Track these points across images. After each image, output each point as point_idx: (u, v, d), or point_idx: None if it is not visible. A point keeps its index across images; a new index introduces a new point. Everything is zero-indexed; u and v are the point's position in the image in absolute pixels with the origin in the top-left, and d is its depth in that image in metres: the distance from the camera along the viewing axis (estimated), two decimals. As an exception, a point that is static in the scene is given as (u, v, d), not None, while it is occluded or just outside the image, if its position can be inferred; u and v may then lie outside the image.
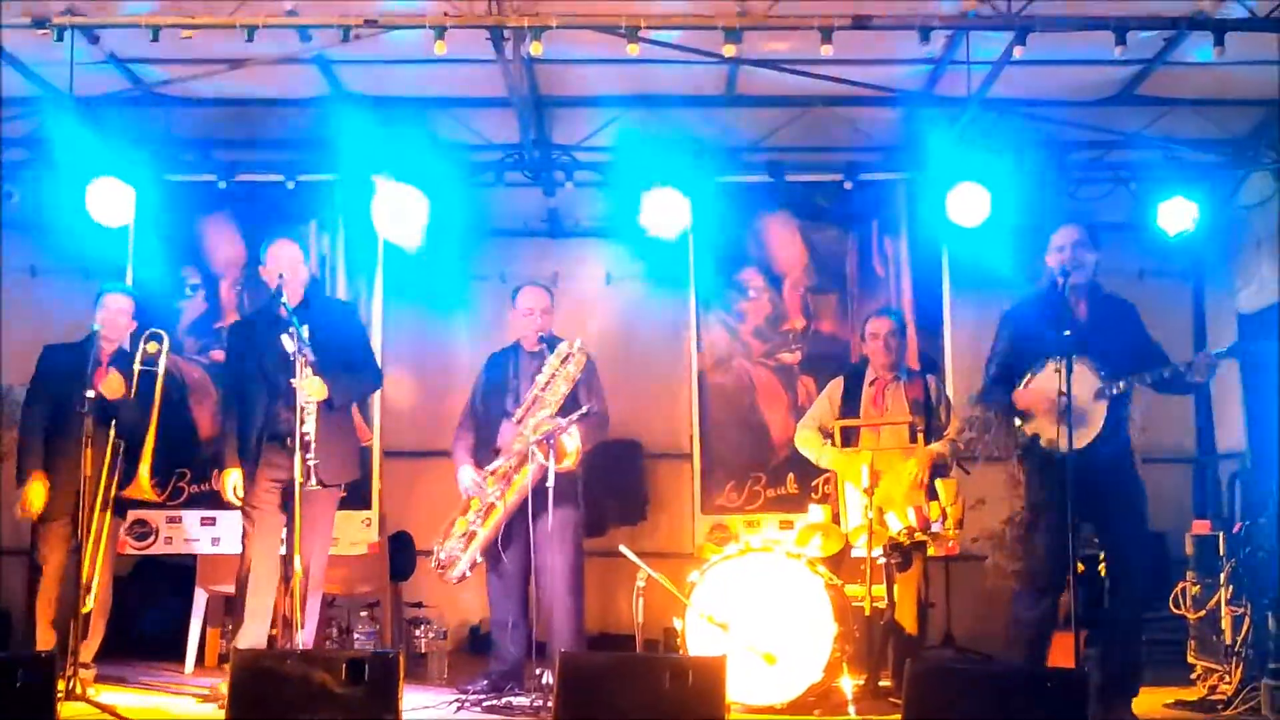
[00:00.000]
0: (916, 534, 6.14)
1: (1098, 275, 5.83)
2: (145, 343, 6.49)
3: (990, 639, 7.72)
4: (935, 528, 6.12)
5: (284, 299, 6.01)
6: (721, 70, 7.32)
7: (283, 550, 6.15)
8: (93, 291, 6.73)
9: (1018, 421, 5.75)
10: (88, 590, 6.18)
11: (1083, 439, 5.50)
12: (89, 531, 6.17)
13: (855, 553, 6.35)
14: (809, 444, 6.70)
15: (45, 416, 6.41)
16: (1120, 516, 5.67)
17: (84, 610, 6.16)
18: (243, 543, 6.27)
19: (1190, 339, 8.64)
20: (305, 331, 5.90)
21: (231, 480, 6.18)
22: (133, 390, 6.33)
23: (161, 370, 6.51)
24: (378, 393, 7.40)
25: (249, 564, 6.13)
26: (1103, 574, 5.92)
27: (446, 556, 6.46)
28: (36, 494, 6.31)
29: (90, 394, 6.03)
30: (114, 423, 6.26)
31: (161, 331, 6.63)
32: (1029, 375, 5.70)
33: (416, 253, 7.74)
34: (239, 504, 6.21)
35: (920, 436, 6.38)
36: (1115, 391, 5.50)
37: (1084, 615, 5.50)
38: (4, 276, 7.79)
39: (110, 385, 6.30)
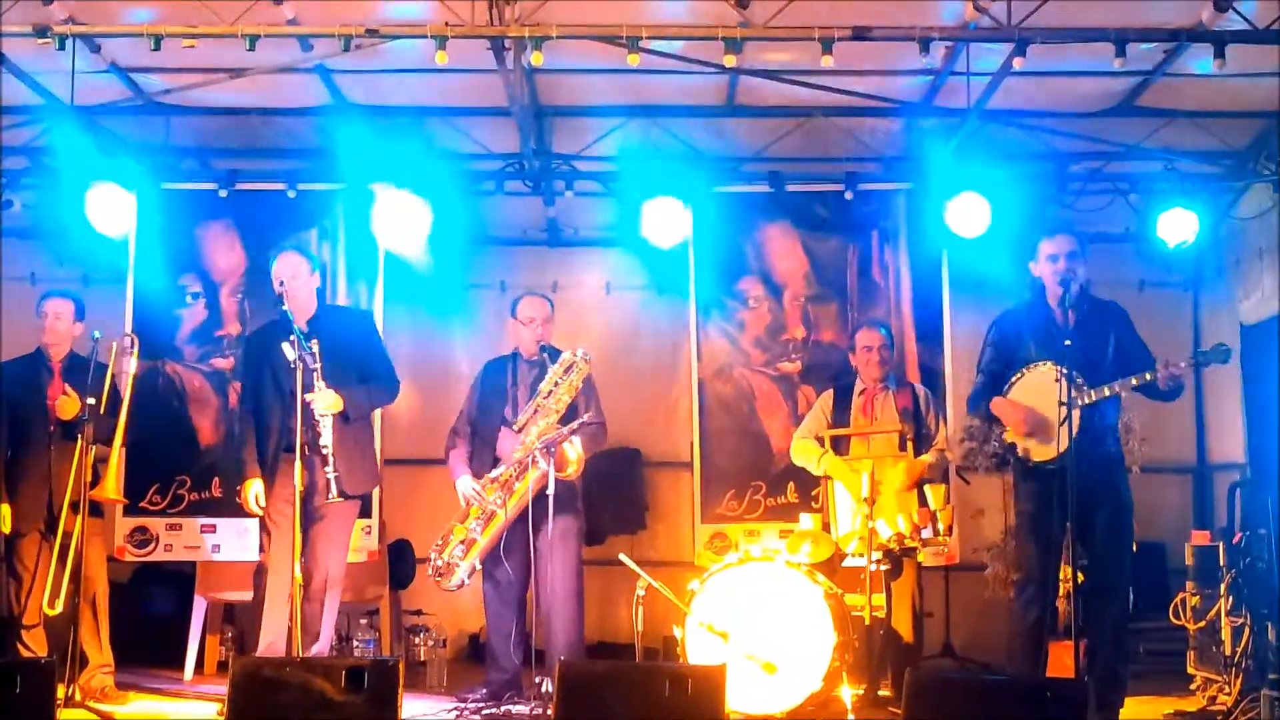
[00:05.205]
0: (906, 540, 6.15)
1: (1089, 284, 5.82)
2: (117, 345, 6.47)
3: (989, 649, 7.71)
4: (925, 534, 6.14)
5: (284, 306, 5.99)
6: (722, 80, 7.33)
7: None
8: (94, 299, 6.71)
9: (998, 430, 5.77)
10: (56, 594, 6.14)
11: (1050, 451, 5.53)
12: (57, 536, 6.18)
13: (848, 561, 6.34)
14: (806, 453, 6.69)
15: (5, 436, 6.35)
16: (1101, 528, 5.64)
17: (52, 613, 6.15)
18: (261, 555, 6.25)
19: (1190, 349, 8.61)
20: (315, 346, 5.90)
21: (254, 490, 6.14)
22: (103, 397, 6.24)
23: (131, 372, 6.50)
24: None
25: (266, 576, 6.09)
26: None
27: (445, 563, 6.43)
28: (3, 516, 6.30)
29: (51, 428, 6.20)
30: (81, 433, 6.17)
31: (131, 334, 6.66)
32: (1011, 383, 5.73)
33: (417, 261, 7.75)
34: (260, 513, 6.18)
35: (910, 445, 6.38)
36: (1084, 403, 5.45)
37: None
38: (4, 284, 7.78)
39: (65, 407, 6.27)
